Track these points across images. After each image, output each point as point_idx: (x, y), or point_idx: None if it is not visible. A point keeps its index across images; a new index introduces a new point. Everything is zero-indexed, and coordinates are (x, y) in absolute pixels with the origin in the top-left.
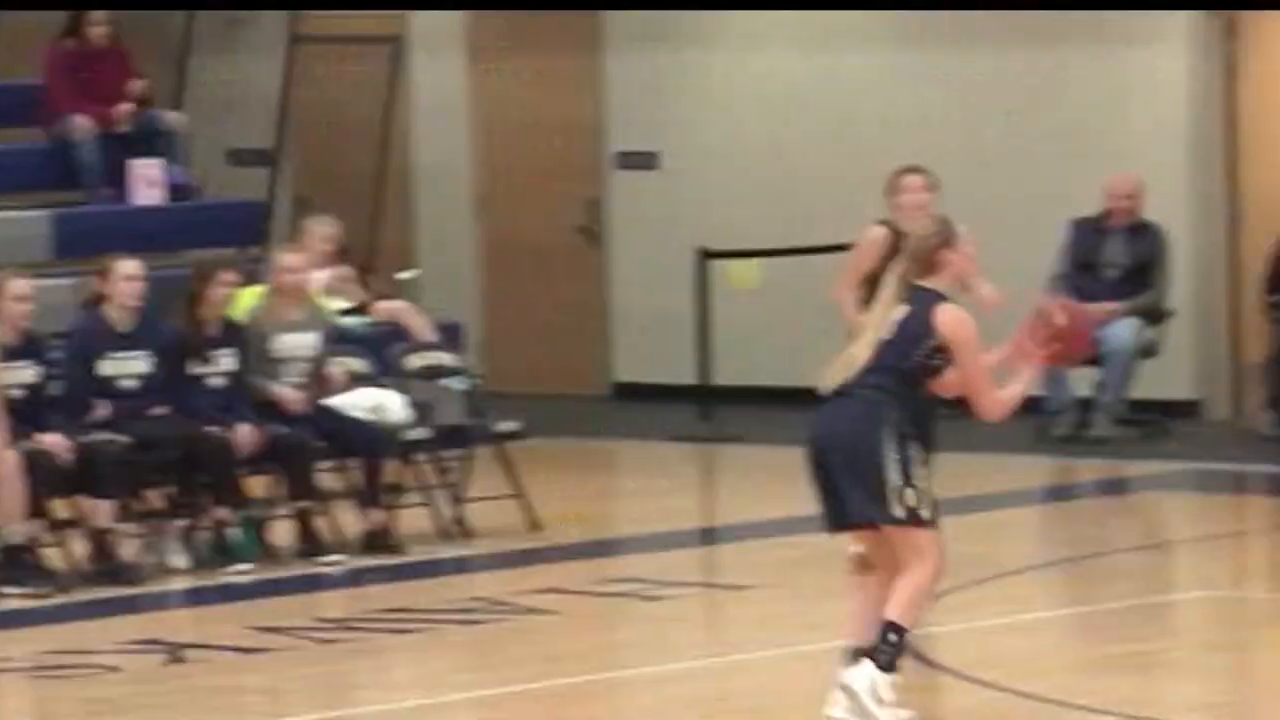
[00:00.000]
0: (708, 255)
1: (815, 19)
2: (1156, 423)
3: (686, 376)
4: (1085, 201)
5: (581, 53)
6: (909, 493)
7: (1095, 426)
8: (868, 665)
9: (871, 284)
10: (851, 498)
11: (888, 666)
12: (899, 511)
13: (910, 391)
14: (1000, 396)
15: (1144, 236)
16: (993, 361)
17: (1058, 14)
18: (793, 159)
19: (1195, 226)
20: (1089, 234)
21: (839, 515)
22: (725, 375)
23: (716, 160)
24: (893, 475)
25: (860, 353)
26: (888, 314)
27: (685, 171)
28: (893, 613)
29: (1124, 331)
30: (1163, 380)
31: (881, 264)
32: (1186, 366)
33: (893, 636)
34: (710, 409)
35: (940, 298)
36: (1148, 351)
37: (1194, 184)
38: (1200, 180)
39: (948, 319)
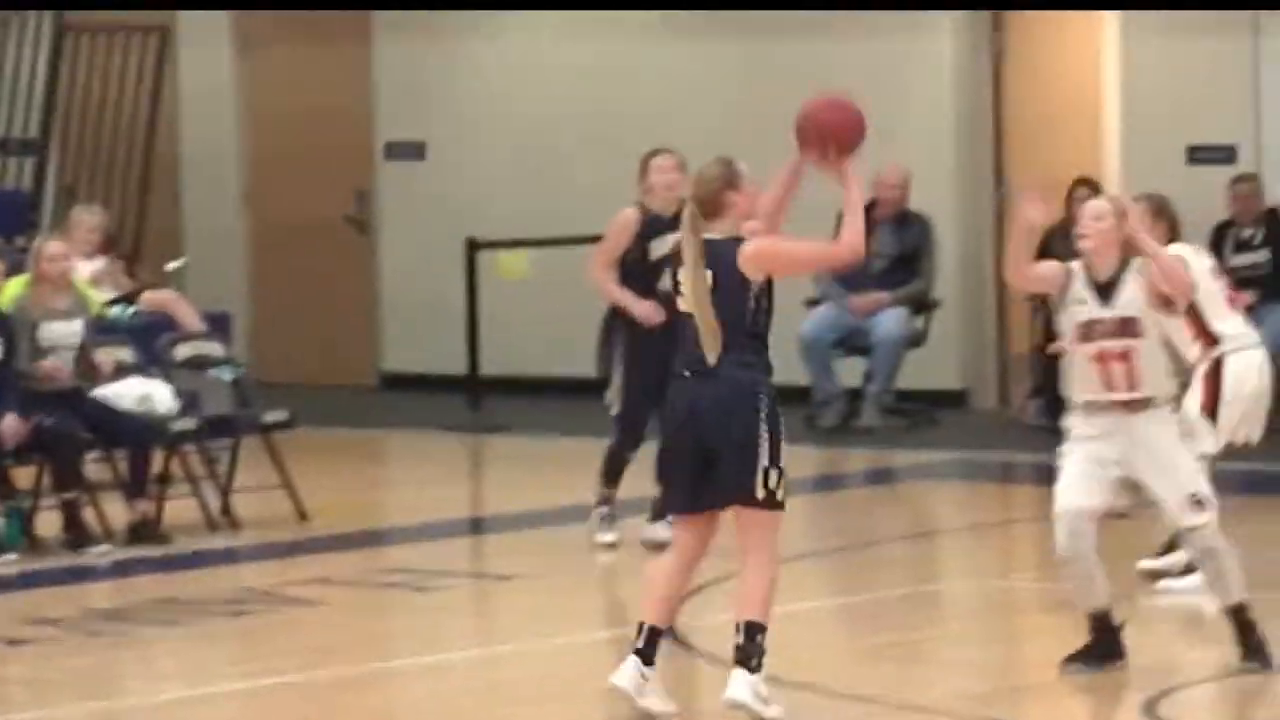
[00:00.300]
0: (476, 245)
1: (582, 10)
2: (923, 413)
3: (455, 366)
4: None
5: (349, 43)
6: (773, 474)
7: (862, 416)
8: (742, 674)
9: (623, 264)
10: (720, 477)
11: (759, 666)
12: (760, 493)
13: (765, 346)
14: (844, 240)
15: (911, 227)
16: (773, 199)
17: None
18: (560, 150)
19: (962, 217)
20: None
21: (703, 498)
22: (493, 365)
23: (485, 151)
24: (763, 456)
25: (714, 322)
26: (698, 274)
27: (453, 162)
28: (751, 613)
29: (891, 321)
30: (930, 370)
31: (634, 244)
32: (953, 357)
33: (759, 638)
34: (478, 399)
35: (734, 244)
36: (915, 341)
37: (961, 175)
38: (967, 171)
39: (748, 258)
